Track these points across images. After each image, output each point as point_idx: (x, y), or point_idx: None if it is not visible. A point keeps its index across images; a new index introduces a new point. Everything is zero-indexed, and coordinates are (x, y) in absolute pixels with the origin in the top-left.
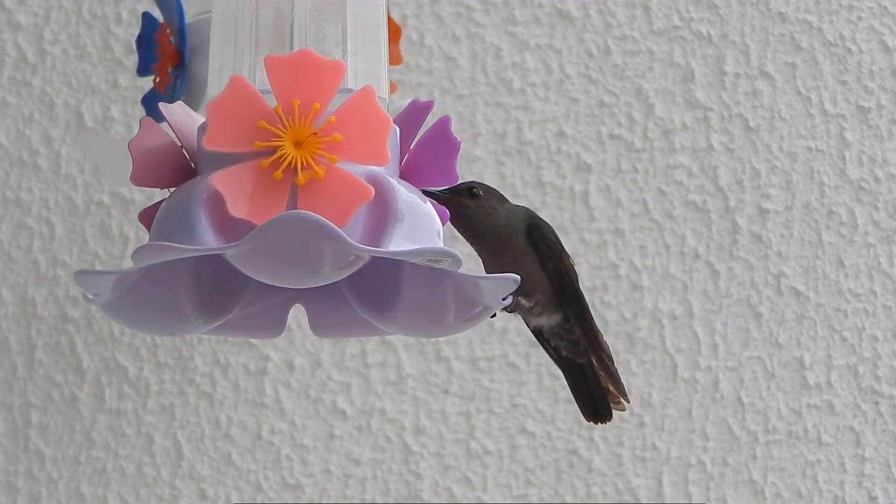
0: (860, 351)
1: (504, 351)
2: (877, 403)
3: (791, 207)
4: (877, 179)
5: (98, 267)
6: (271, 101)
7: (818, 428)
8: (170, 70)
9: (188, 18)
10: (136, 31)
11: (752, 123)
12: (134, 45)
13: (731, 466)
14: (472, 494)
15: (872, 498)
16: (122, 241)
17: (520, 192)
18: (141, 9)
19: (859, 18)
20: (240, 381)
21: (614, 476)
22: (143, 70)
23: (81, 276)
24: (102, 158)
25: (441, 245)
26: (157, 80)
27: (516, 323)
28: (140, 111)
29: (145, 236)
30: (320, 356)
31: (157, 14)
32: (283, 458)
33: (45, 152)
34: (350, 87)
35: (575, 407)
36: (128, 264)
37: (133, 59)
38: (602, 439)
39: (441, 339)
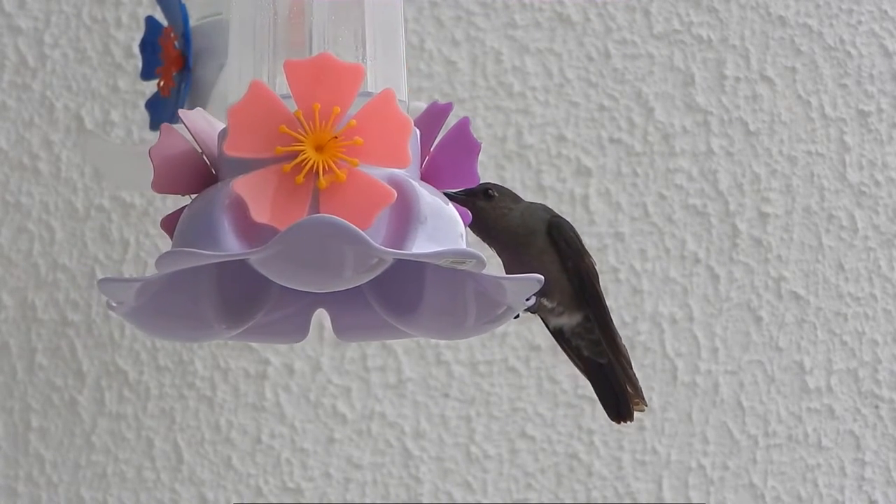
0: (860, 355)
1: (504, 355)
2: (877, 407)
3: (791, 211)
4: (877, 183)
5: (98, 271)
6: (291, 106)
7: (818, 432)
8: (174, 74)
9: (192, 22)
10: (137, 34)
11: (752, 127)
12: (134, 49)
13: (731, 470)
14: (472, 498)
15: (873, 502)
16: (123, 245)
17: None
18: (141, 13)
19: (859, 22)
20: (240, 385)
21: (614, 480)
22: (147, 74)
23: (105, 283)
24: (103, 162)
25: (464, 246)
26: (162, 83)
27: (516, 327)
28: (140, 115)
29: (146, 240)
30: (320, 360)
31: (161, 18)
32: (283, 461)
33: (45, 156)
34: (370, 90)
35: (575, 411)
36: (128, 268)
37: (133, 63)
38: (602, 443)
39: (441, 342)
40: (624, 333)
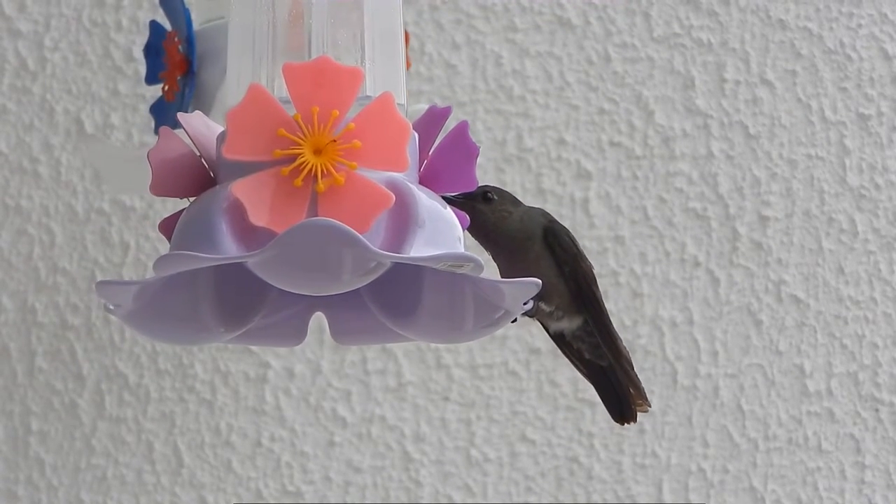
0: (860, 358)
1: (504, 358)
2: (877, 411)
3: (791, 215)
4: (877, 187)
5: (98, 274)
6: (290, 109)
7: (818, 435)
8: (178, 78)
9: (196, 26)
10: (137, 38)
11: (752, 131)
12: (134, 53)
13: (732, 474)
14: (473, 502)
15: None
16: (123, 249)
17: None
18: (142, 16)
19: (859, 26)
20: (240, 389)
21: (614, 483)
22: (150, 78)
23: (103, 286)
24: (103, 166)
25: (462, 250)
26: (166, 88)
27: (517, 330)
28: (140, 118)
29: (146, 243)
30: (320, 363)
31: (165, 22)
32: (284, 465)
33: (45, 159)
34: (369, 93)
35: (575, 414)
36: (128, 271)
37: (133, 67)
38: (602, 447)
39: (441, 346)
40: (624, 337)
